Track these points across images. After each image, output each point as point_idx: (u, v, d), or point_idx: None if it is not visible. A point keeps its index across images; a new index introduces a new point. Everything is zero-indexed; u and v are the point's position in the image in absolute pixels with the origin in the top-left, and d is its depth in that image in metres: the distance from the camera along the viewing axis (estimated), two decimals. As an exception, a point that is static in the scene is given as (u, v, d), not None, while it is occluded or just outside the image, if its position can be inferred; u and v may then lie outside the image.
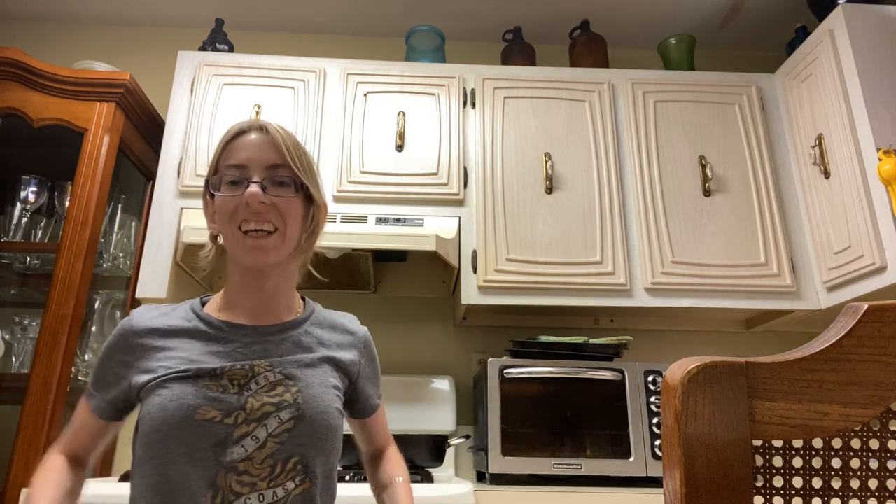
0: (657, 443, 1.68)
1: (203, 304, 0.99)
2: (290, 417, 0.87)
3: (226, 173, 0.92)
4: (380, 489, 1.05)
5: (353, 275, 2.10)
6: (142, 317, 0.94)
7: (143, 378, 0.88)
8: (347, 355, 1.01)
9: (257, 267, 0.92)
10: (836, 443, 0.47)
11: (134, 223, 2.06)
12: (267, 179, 0.91)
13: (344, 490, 1.38)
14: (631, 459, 1.67)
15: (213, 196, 0.95)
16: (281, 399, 0.88)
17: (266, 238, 0.90)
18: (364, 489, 1.39)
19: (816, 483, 0.47)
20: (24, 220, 1.90)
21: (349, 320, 1.06)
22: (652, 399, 1.74)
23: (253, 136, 0.94)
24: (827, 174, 1.87)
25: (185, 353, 0.90)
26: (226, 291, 0.98)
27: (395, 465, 1.07)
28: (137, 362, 0.90)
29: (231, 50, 2.22)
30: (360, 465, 1.74)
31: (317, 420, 0.90)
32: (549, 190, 1.97)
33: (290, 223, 0.92)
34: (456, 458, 2.04)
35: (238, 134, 0.95)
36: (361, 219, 1.88)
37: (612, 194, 1.97)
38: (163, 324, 0.93)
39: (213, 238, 0.99)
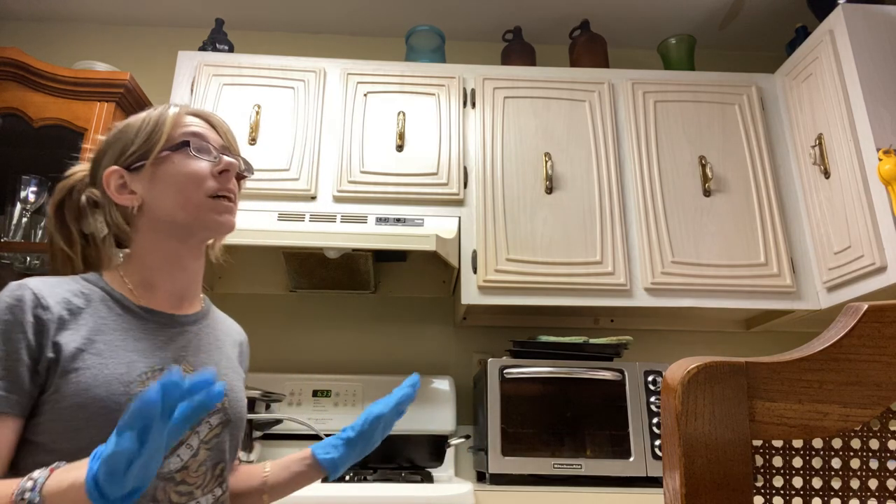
0: (657, 443, 1.68)
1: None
2: (218, 423, 0.87)
3: (191, 139, 0.89)
4: (259, 479, 0.97)
5: (353, 275, 2.10)
6: (40, 287, 0.79)
7: (64, 366, 0.76)
8: (240, 354, 1.02)
9: (225, 231, 0.91)
10: (836, 443, 0.47)
11: (134, 223, 2.06)
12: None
13: (344, 490, 1.38)
14: (631, 459, 1.67)
15: (138, 164, 0.88)
16: None
17: (233, 203, 0.91)
18: (364, 489, 1.39)
19: (816, 483, 0.47)
20: (24, 220, 1.90)
21: (231, 319, 1.06)
22: (652, 399, 1.74)
23: (195, 117, 0.94)
24: (827, 174, 1.87)
25: (106, 338, 0.80)
26: (138, 269, 0.89)
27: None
28: (51, 339, 0.77)
29: (231, 50, 2.22)
30: (358, 465, 1.74)
31: (238, 424, 0.91)
32: (549, 190, 1.97)
33: (237, 199, 0.94)
34: (456, 458, 2.04)
35: (178, 110, 0.93)
36: (361, 219, 1.88)
37: (612, 194, 1.97)
38: (70, 295, 0.81)
39: (137, 209, 0.88)
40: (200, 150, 0.90)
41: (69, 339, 0.78)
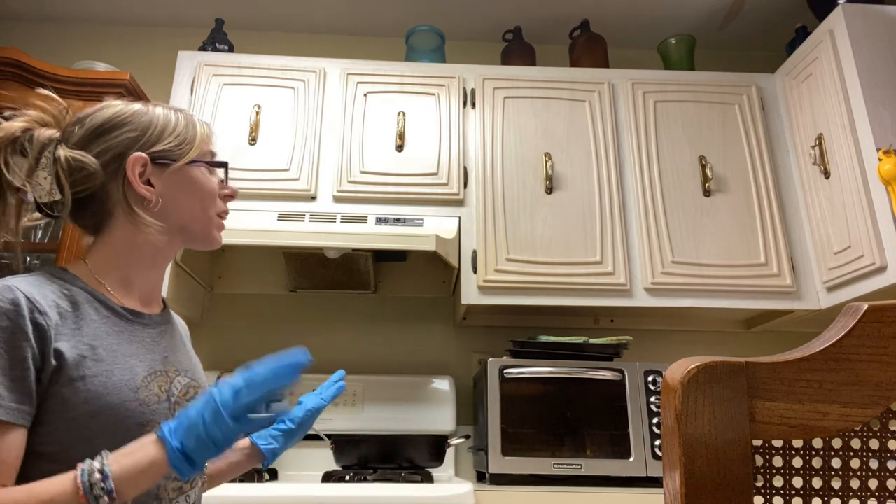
0: (657, 443, 1.68)
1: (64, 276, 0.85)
2: None
3: (215, 160, 0.97)
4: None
5: (353, 275, 2.10)
6: (29, 290, 0.76)
7: (69, 375, 0.75)
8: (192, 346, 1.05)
9: (216, 246, 0.97)
10: (836, 443, 0.47)
11: (134, 223, 2.06)
12: None
13: (344, 490, 1.38)
14: (631, 459, 1.67)
15: (164, 161, 0.89)
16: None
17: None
18: (364, 489, 1.39)
19: (816, 483, 0.47)
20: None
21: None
22: (652, 399, 1.74)
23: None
24: (827, 174, 1.87)
25: (104, 343, 0.80)
26: (117, 264, 0.88)
27: None
28: (52, 346, 0.75)
29: (231, 50, 2.22)
30: (358, 465, 1.74)
31: None
32: (549, 190, 1.97)
33: None
34: (456, 458, 2.04)
35: (208, 128, 0.99)
36: (361, 219, 1.88)
37: (612, 194, 1.97)
38: (57, 298, 0.79)
39: (155, 202, 0.88)
40: (225, 175, 0.98)
41: (69, 346, 0.76)
